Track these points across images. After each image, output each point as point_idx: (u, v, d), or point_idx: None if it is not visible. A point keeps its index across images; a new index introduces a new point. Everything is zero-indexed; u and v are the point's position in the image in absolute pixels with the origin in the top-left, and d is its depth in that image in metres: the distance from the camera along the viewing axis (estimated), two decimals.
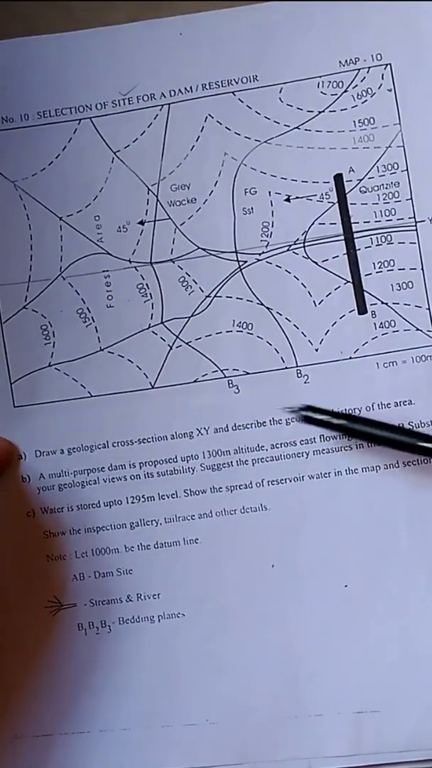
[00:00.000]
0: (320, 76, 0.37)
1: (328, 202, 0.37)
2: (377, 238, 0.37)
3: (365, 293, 0.37)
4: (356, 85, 0.37)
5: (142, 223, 0.38)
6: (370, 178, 0.37)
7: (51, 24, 0.39)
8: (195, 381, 0.37)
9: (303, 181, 0.37)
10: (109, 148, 0.38)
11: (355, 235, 0.37)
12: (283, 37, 0.38)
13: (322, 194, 0.37)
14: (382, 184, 0.37)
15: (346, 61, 0.37)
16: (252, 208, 0.37)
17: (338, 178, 0.37)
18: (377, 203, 0.37)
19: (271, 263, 0.37)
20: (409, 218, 0.37)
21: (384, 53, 0.37)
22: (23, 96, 0.38)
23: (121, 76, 0.38)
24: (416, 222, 0.37)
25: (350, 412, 0.37)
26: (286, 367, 0.37)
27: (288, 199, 0.37)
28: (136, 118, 0.38)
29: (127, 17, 0.38)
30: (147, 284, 0.38)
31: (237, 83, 0.38)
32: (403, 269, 0.37)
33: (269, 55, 0.38)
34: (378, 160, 0.37)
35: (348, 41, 0.37)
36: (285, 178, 0.37)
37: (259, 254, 0.37)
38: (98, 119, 0.38)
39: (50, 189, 0.38)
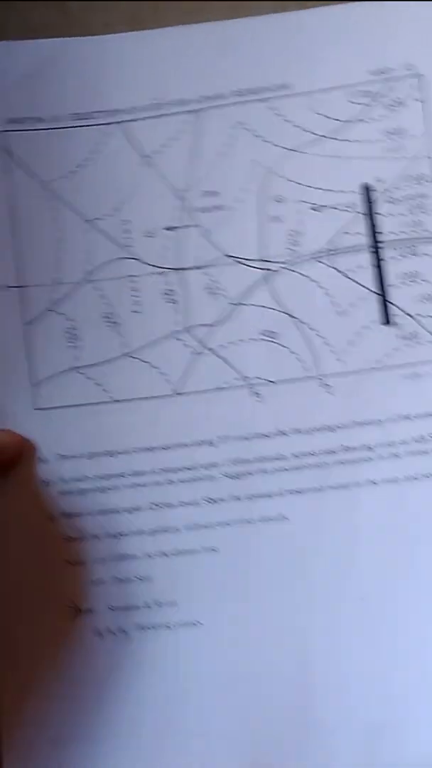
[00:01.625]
0: (350, 86, 0.37)
1: (355, 212, 0.37)
2: (403, 249, 0.37)
3: (389, 304, 0.37)
4: (386, 96, 0.37)
5: (169, 229, 0.38)
6: (397, 188, 0.37)
7: (48, 23, 0.39)
8: (218, 388, 0.37)
9: (330, 191, 0.37)
10: (140, 152, 0.38)
11: (381, 245, 0.37)
12: (315, 46, 0.37)
13: (349, 204, 0.37)
14: (410, 196, 0.37)
15: (376, 70, 0.37)
16: (279, 217, 0.37)
17: (366, 188, 0.37)
18: (404, 215, 0.37)
19: (296, 272, 0.37)
20: None
21: (415, 64, 0.37)
22: (56, 97, 0.38)
23: (154, 81, 0.38)
24: None
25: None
26: (309, 377, 0.37)
27: (315, 209, 0.37)
28: (167, 124, 0.38)
29: (125, 16, 0.39)
30: (173, 290, 0.38)
31: (268, 91, 0.38)
32: (428, 281, 0.37)
33: (300, 64, 0.38)
34: (406, 171, 0.37)
35: (379, 51, 0.37)
36: (313, 187, 0.37)
37: (285, 263, 0.37)
38: (130, 123, 0.38)
39: (79, 191, 0.38)
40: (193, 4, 0.38)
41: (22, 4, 0.39)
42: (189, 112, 0.38)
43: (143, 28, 0.38)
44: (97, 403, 0.37)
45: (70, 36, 0.38)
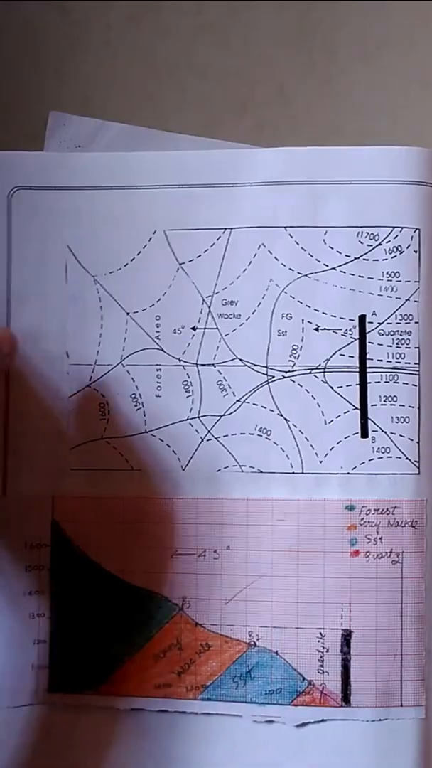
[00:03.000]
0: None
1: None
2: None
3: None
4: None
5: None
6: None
7: (48, 23, 0.40)
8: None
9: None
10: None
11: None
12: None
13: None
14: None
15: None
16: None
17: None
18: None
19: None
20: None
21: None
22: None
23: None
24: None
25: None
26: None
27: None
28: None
29: (126, 17, 0.40)
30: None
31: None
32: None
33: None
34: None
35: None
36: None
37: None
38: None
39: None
40: (193, 5, 0.40)
41: (22, 4, 0.41)
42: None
43: (143, 28, 0.38)
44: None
45: (70, 36, 0.38)
